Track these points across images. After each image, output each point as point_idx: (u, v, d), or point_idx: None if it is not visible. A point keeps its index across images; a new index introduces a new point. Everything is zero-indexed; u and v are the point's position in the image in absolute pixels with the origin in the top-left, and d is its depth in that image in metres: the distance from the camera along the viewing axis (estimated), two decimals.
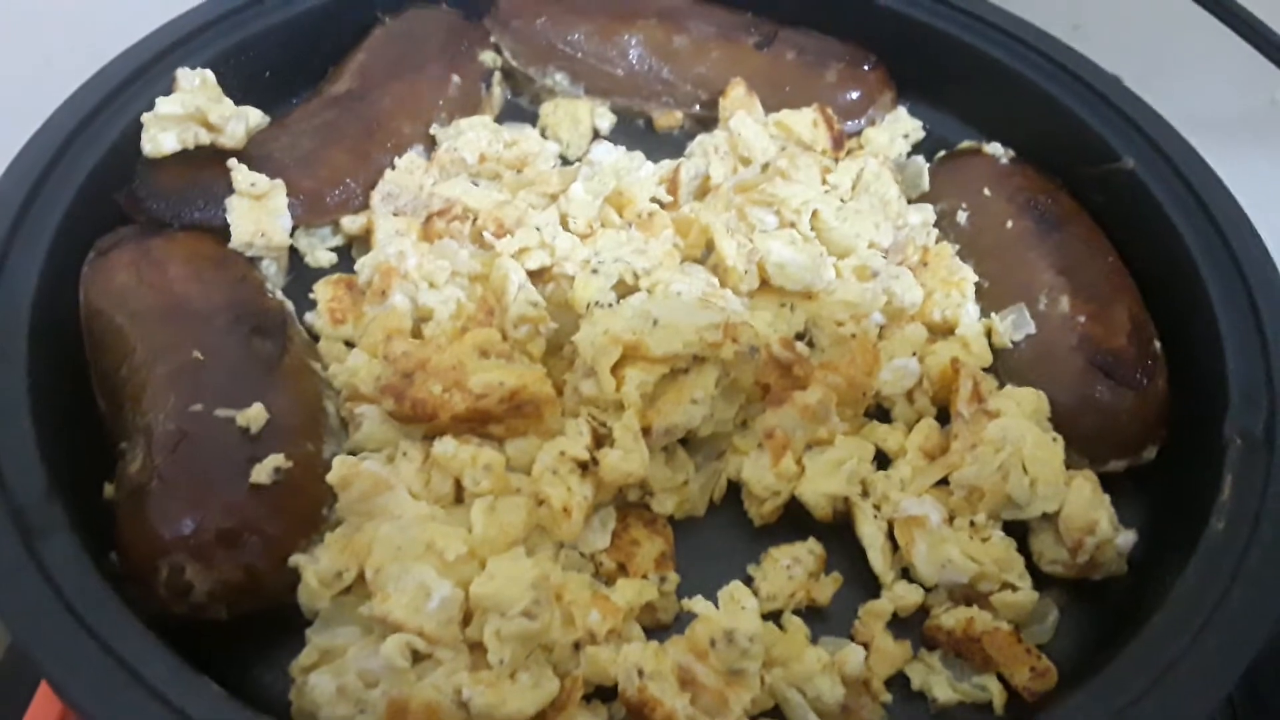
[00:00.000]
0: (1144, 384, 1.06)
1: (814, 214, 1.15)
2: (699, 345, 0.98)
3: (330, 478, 0.90)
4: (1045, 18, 1.41)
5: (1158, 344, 1.11)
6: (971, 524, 0.97)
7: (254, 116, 1.24)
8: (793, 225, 1.15)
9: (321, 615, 0.88)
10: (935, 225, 1.26)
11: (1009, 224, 1.20)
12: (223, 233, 1.12)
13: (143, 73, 1.19)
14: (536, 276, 1.11)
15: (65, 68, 1.18)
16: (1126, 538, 0.98)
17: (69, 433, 0.94)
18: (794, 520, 1.02)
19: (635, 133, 1.40)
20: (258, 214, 1.13)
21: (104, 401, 1.00)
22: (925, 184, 1.31)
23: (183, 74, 1.18)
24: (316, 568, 0.87)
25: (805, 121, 1.31)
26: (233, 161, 1.13)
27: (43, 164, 1.07)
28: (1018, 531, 1.00)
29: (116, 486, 0.92)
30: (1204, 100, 1.45)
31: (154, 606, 0.84)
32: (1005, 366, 1.12)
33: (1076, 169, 1.28)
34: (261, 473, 0.88)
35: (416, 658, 0.82)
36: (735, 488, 1.04)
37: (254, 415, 0.91)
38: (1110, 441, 1.05)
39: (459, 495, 0.96)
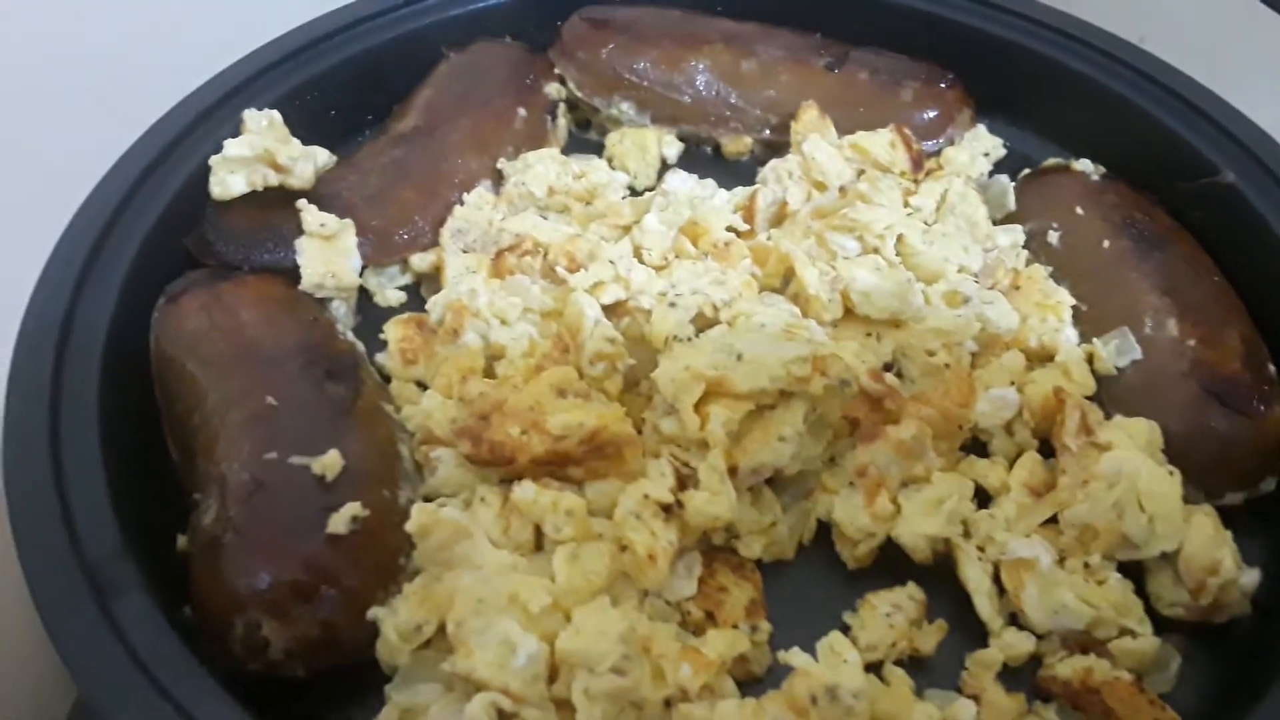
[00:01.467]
0: (1261, 411, 0.99)
1: (899, 238, 1.10)
2: (786, 380, 0.93)
3: (409, 526, 0.87)
4: (1109, 29, 1.36)
5: (1272, 368, 1.04)
6: (1085, 565, 0.91)
7: (321, 156, 1.22)
8: (876, 251, 1.10)
9: (401, 671, 0.84)
10: (1025, 247, 1.20)
11: (1105, 243, 1.14)
12: (293, 274, 1.11)
13: (208, 116, 1.18)
14: (611, 311, 1.07)
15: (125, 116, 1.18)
16: (1251, 576, 0.91)
17: (142, 484, 0.92)
18: (889, 563, 0.96)
19: (703, 160, 1.37)
20: (328, 254, 1.11)
21: (176, 450, 0.98)
22: (1011, 204, 1.25)
23: (250, 115, 1.17)
24: (395, 621, 0.84)
25: (882, 143, 1.26)
26: (302, 202, 1.11)
27: (110, 209, 1.07)
28: (1133, 573, 0.94)
29: (190, 539, 0.90)
30: (1275, 111, 1.39)
31: (229, 664, 0.81)
32: (1110, 395, 1.05)
33: (1171, 185, 1.22)
34: (339, 523, 0.85)
35: (502, 717, 0.78)
36: (824, 528, 0.99)
37: (329, 462, 0.88)
38: (1227, 473, 0.98)
39: (539, 542, 0.92)
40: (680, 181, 1.18)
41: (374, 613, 0.84)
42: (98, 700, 0.74)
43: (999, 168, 1.34)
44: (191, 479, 0.94)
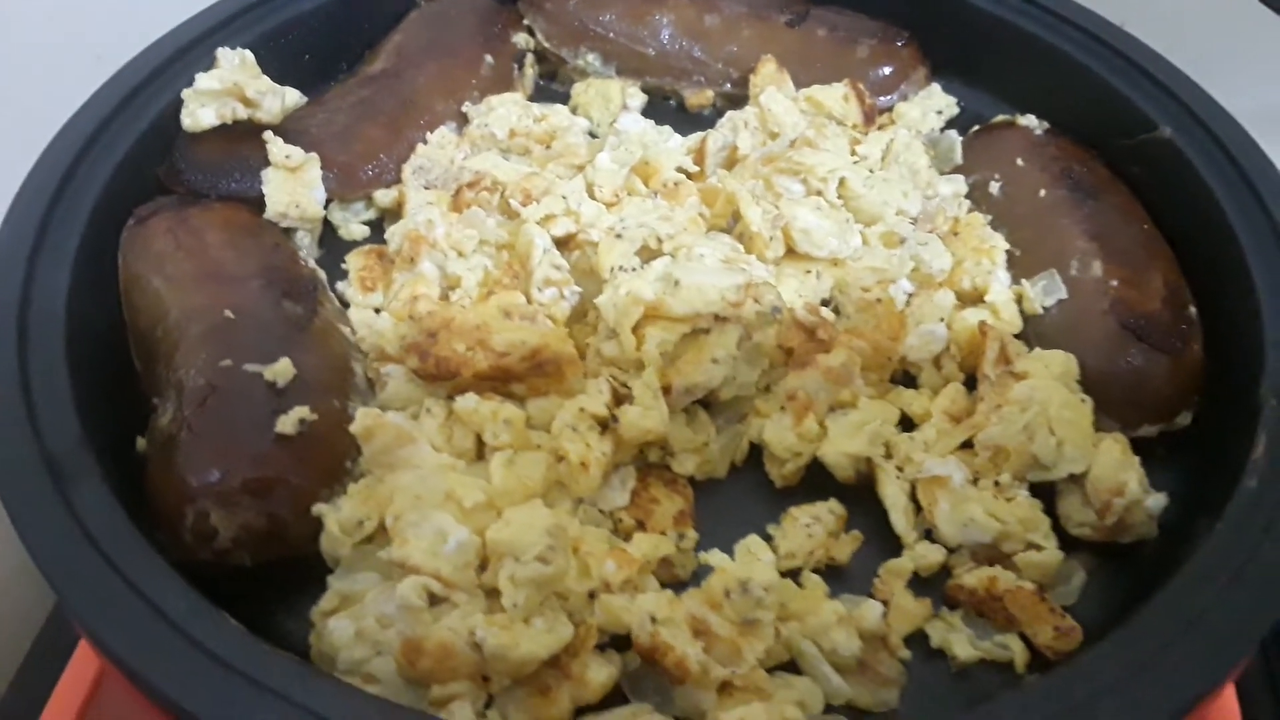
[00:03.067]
0: (1178, 348, 1.04)
1: (841, 182, 1.15)
2: (720, 305, 0.98)
3: (353, 428, 0.92)
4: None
5: (1193, 309, 1.08)
6: (996, 484, 0.96)
7: (291, 96, 1.27)
8: (819, 193, 1.15)
9: (343, 562, 0.89)
10: (968, 197, 1.24)
11: (1042, 193, 1.18)
12: (258, 204, 1.15)
13: (184, 54, 1.22)
14: (563, 245, 1.12)
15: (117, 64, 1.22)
16: (1157, 500, 0.96)
17: (105, 390, 0.97)
18: (816, 483, 1.01)
19: (667, 112, 1.41)
20: (292, 186, 1.16)
21: (140, 361, 1.03)
22: (958, 157, 1.29)
23: (223, 53, 1.21)
24: (339, 516, 0.89)
25: (836, 96, 1.30)
26: (268, 134, 1.16)
27: (85, 137, 1.11)
28: (1045, 496, 0.98)
29: (148, 440, 0.95)
30: (1255, 98, 1.43)
31: (180, 553, 0.86)
32: (1036, 333, 1.10)
33: (1114, 141, 1.26)
34: (287, 424, 0.90)
35: (433, 601, 0.83)
36: (757, 451, 1.03)
37: (281, 370, 0.93)
38: (1143, 406, 1.03)
39: (480, 452, 0.97)
40: (632, 122, 1.23)
41: (318, 508, 0.89)
42: (52, 575, 0.79)
43: (952, 125, 1.38)
44: (152, 387, 0.99)
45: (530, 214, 1.10)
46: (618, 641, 0.87)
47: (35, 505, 0.82)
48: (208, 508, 0.86)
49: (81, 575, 0.78)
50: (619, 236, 1.07)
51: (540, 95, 1.42)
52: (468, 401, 0.94)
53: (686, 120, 1.39)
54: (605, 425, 0.96)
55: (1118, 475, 0.94)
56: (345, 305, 1.13)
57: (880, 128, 1.32)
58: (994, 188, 1.23)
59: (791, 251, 1.12)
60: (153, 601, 0.77)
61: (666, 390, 0.97)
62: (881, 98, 1.37)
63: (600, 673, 0.83)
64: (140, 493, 0.91)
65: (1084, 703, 0.74)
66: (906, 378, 1.10)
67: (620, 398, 0.98)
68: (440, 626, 0.81)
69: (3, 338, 0.93)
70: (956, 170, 1.29)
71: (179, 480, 0.88)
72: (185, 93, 1.17)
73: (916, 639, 0.92)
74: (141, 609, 0.76)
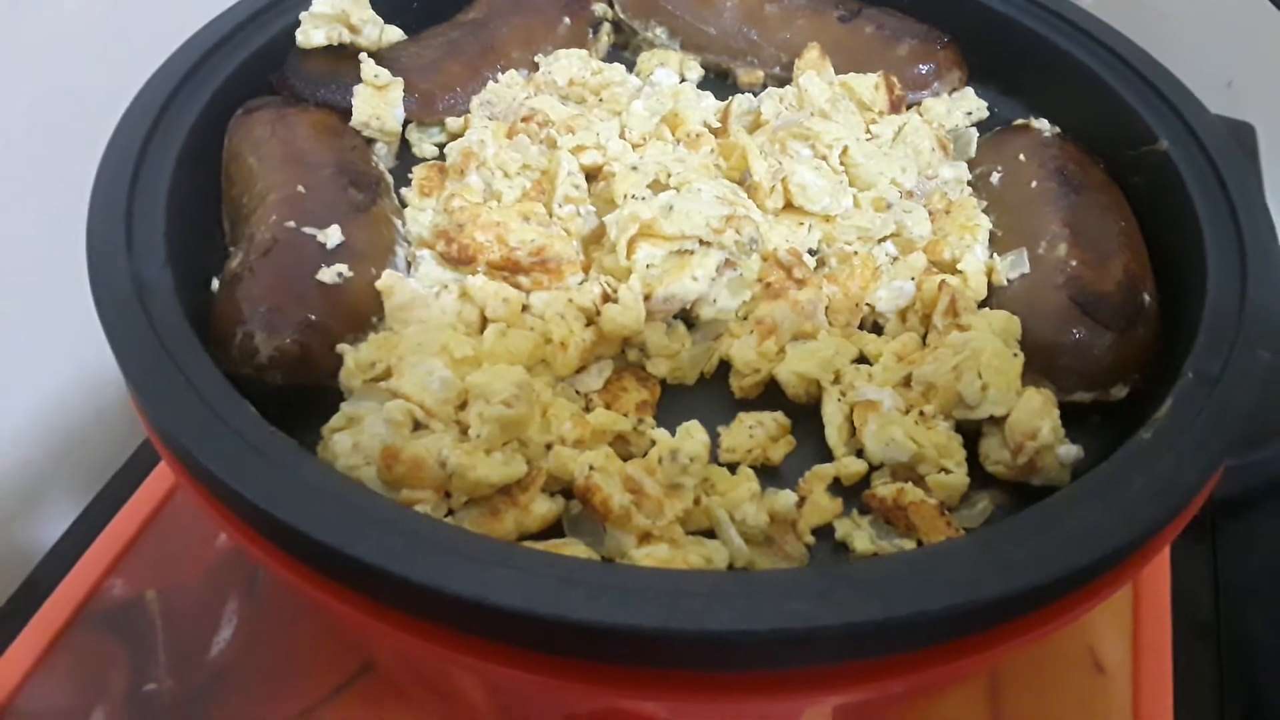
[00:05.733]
0: (1121, 326, 1.13)
1: (844, 150, 1.28)
2: (704, 230, 1.13)
3: (378, 284, 1.10)
4: (1197, 74, 1.49)
5: (1147, 297, 1.18)
6: (921, 414, 1.07)
7: (392, 32, 1.48)
8: (824, 158, 1.28)
9: (354, 393, 1.07)
10: (971, 185, 1.36)
11: (1033, 184, 1.29)
12: (347, 113, 1.36)
13: None
14: (592, 176, 1.28)
15: None
16: (1069, 449, 1.06)
17: (193, 237, 1.18)
18: (771, 400, 1.14)
19: (721, 86, 1.57)
20: (376, 102, 1.36)
21: (228, 221, 1.24)
22: (972, 152, 1.41)
23: None
24: (357, 355, 1.07)
25: (868, 85, 1.44)
26: (363, 55, 1.37)
27: (217, 39, 1.33)
28: (971, 436, 1.10)
29: (220, 280, 1.15)
30: None
31: (227, 364, 1.05)
32: (998, 302, 1.21)
33: (1122, 152, 1.36)
34: (328, 274, 1.09)
35: (416, 427, 1.01)
36: (726, 369, 1.17)
37: (331, 233, 1.12)
38: (1079, 374, 1.12)
39: (483, 328, 1.13)
40: (666, 75, 1.39)
41: (341, 347, 1.08)
42: (121, 357, 0.99)
43: (981, 128, 1.50)
44: (233, 241, 1.20)
45: (565, 143, 1.27)
46: (567, 494, 1.03)
47: (119, 307, 1.02)
48: (253, 330, 1.06)
49: (143, 361, 0.98)
50: (634, 169, 1.23)
51: (611, 59, 1.59)
52: (477, 280, 1.12)
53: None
54: (591, 320, 1.12)
55: (1033, 421, 1.05)
56: (404, 205, 1.32)
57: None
58: (994, 178, 1.34)
59: (790, 205, 1.26)
60: (192, 381, 0.96)
61: (648, 297, 1.12)
62: (914, 93, 1.49)
63: (543, 506, 0.99)
64: (205, 318, 1.11)
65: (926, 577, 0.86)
66: (876, 329, 1.23)
67: (608, 299, 1.13)
68: (416, 443, 0.98)
69: (118, 183, 1.15)
70: (969, 164, 1.40)
71: (236, 307, 1.07)
72: (302, 15, 1.39)
73: (826, 532, 1.04)
74: (182, 385, 0.96)
